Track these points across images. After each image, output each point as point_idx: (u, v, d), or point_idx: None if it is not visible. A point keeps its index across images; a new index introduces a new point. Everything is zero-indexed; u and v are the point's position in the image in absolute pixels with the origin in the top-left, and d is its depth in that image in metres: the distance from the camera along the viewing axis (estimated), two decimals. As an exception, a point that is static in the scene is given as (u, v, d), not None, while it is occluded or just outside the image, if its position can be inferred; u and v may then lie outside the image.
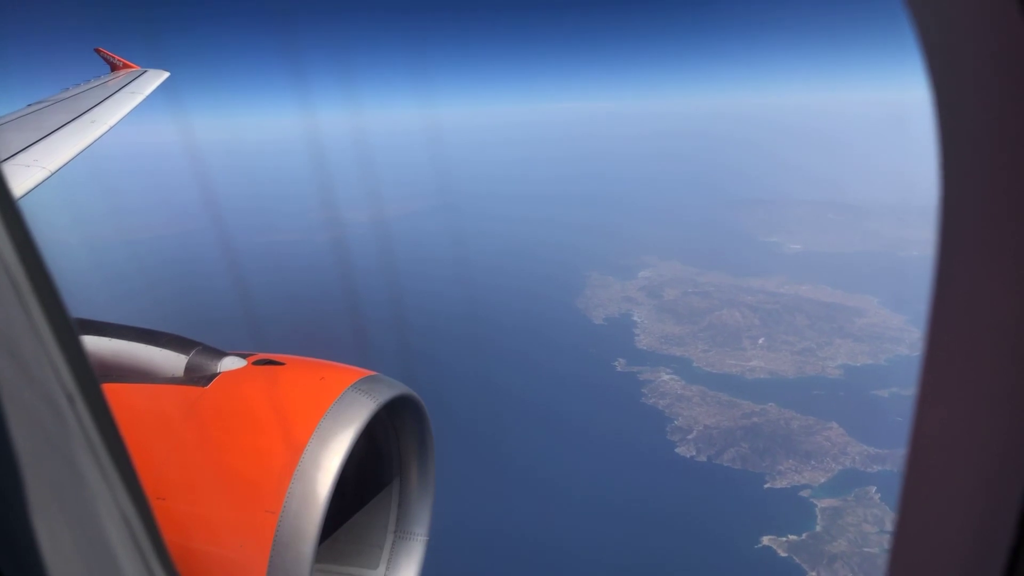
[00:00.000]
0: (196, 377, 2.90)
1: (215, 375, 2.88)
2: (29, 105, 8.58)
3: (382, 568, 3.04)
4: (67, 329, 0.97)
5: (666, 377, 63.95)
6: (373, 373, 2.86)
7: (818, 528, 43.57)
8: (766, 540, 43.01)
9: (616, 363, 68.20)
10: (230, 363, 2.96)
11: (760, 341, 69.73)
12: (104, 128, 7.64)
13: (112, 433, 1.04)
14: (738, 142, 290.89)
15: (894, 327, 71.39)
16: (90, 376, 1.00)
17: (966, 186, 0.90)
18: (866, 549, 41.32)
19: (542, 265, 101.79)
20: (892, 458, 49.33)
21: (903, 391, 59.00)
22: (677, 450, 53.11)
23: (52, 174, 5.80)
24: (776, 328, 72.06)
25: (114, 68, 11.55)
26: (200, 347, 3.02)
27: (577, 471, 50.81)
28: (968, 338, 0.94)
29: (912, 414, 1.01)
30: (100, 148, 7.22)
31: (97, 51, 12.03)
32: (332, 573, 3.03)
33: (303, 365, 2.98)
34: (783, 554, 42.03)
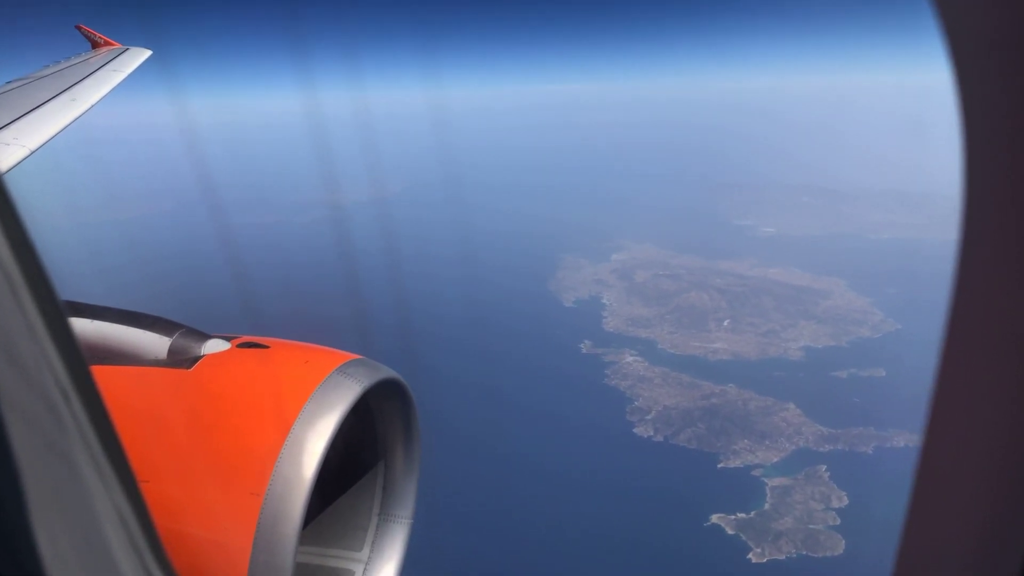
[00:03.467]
0: (179, 360, 2.89)
1: (199, 358, 2.88)
2: (8, 83, 8.53)
3: (366, 550, 3.06)
4: (61, 322, 0.94)
5: (630, 359, 64.52)
6: (358, 356, 2.87)
7: (767, 506, 44.55)
8: (715, 518, 43.96)
9: (582, 345, 68.48)
10: (214, 346, 2.96)
11: (725, 323, 70.46)
12: (85, 107, 7.62)
13: (107, 429, 1.03)
14: (717, 126, 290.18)
15: (858, 309, 72.41)
16: (84, 370, 0.99)
17: (990, 182, 0.86)
18: (811, 526, 42.41)
19: (515, 249, 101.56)
20: (845, 438, 50.48)
21: (861, 372, 59.91)
22: (635, 430, 53.88)
23: (32, 152, 5.80)
24: (742, 310, 72.78)
25: (95, 46, 11.39)
26: (183, 329, 3.01)
27: (534, 452, 51.23)
28: (988, 338, 0.92)
29: (927, 412, 1.00)
30: (81, 127, 7.21)
31: (78, 28, 11.88)
32: (316, 555, 3.04)
33: (288, 348, 3.00)
34: (731, 532, 43.01)
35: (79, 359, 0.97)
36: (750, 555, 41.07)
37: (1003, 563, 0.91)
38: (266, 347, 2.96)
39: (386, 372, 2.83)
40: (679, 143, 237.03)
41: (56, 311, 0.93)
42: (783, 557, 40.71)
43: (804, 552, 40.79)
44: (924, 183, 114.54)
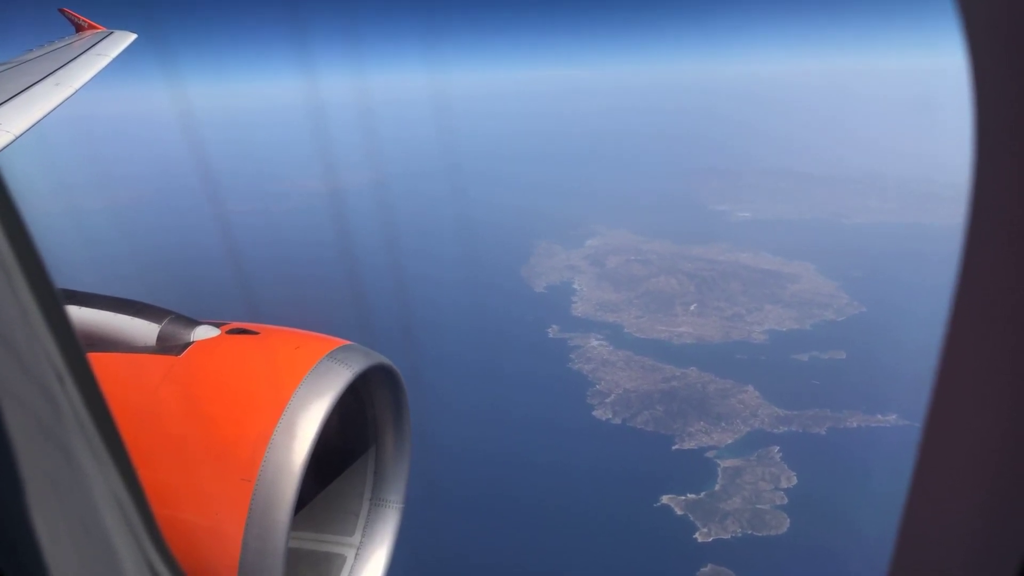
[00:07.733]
0: (169, 346, 2.89)
1: (188, 344, 2.88)
2: None
3: (358, 535, 3.10)
4: (56, 308, 0.94)
5: (595, 343, 64.55)
6: (348, 342, 2.88)
7: (717, 487, 44.89)
8: (665, 499, 44.23)
9: (549, 330, 68.38)
10: (203, 332, 2.95)
11: (692, 307, 70.29)
12: (70, 91, 7.58)
13: (104, 415, 1.03)
14: (699, 111, 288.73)
15: (825, 293, 72.60)
16: (80, 356, 0.98)
17: (1003, 176, 0.83)
18: (758, 506, 42.62)
19: (488, 235, 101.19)
20: (799, 419, 50.71)
21: (823, 355, 59.96)
22: (594, 413, 53.96)
23: (16, 138, 5.80)
24: (709, 295, 72.83)
25: (79, 29, 11.34)
26: (172, 316, 3.01)
27: (493, 436, 51.19)
28: (993, 329, 0.89)
29: (927, 407, 0.97)
30: (66, 111, 7.18)
31: (62, 11, 11.88)
32: (308, 540, 3.08)
33: (278, 334, 3.00)
34: (680, 512, 43.20)
35: (75, 345, 0.95)
36: (696, 535, 41.29)
37: (1004, 557, 0.88)
38: (256, 333, 2.95)
39: (377, 358, 2.84)
40: (662, 128, 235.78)
41: (51, 296, 0.91)
42: (728, 536, 40.93)
43: (749, 531, 41.04)
44: (899, 167, 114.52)
